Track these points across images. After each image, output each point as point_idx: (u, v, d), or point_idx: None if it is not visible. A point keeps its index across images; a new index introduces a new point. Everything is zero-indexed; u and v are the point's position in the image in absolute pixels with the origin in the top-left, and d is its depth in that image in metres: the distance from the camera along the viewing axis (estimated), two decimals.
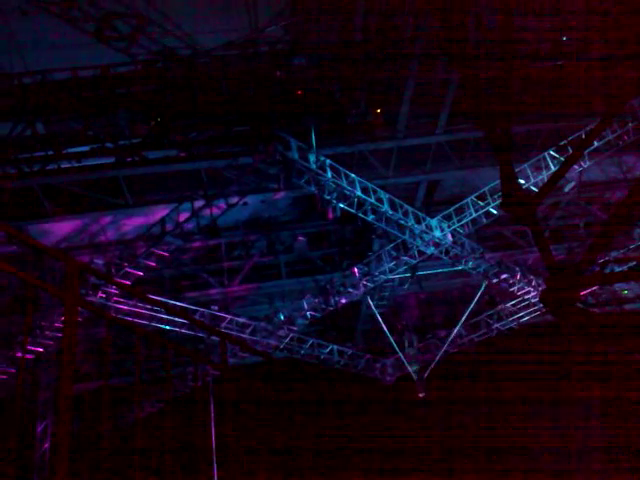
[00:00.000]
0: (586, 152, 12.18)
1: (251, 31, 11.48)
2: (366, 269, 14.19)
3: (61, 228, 13.56)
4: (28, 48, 10.72)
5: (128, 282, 12.67)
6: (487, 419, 15.70)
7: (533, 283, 14.53)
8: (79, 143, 12.08)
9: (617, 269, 13.83)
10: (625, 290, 15.67)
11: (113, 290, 12.58)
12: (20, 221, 12.70)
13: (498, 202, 12.57)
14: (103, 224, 13.80)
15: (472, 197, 13.37)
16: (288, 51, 11.95)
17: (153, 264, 12.94)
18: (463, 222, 13.41)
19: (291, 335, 14.88)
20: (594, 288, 14.25)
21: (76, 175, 12.32)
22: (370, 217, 12.57)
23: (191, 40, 11.50)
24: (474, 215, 13.31)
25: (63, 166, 12.17)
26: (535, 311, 15.02)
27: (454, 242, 13.53)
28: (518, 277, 14.45)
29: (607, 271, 13.41)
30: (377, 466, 15.48)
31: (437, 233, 13.27)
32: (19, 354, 12.57)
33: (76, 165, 12.14)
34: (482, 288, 14.71)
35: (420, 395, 15.41)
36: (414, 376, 15.53)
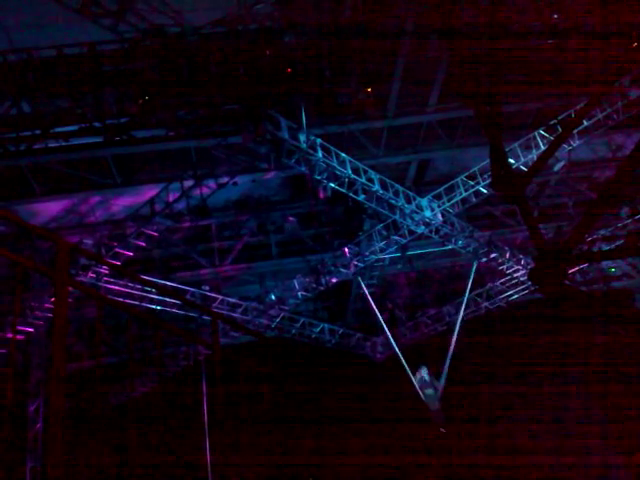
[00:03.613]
0: (575, 131, 12.20)
1: (240, 8, 11.30)
2: (357, 249, 14.23)
3: (49, 208, 13.45)
4: (13, 26, 10.50)
5: (118, 262, 12.64)
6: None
7: (522, 262, 14.65)
8: (66, 122, 11.92)
9: (605, 247, 13.97)
10: (612, 268, 15.85)
11: (103, 270, 12.55)
12: (8, 201, 12.59)
13: (488, 181, 12.59)
14: (92, 204, 13.70)
15: (462, 176, 13.39)
16: (278, 29, 11.79)
17: (143, 244, 12.90)
18: (453, 201, 13.45)
19: (282, 314, 14.95)
20: (582, 266, 14.40)
21: (64, 154, 12.19)
22: (361, 197, 12.56)
23: (179, 17, 11.31)
24: (464, 194, 13.35)
25: (50, 145, 12.02)
26: (524, 289, 15.17)
27: (444, 221, 13.58)
28: (507, 256, 14.55)
29: (595, 249, 13.54)
30: (366, 439, 15.67)
31: (427, 212, 13.30)
32: (10, 335, 12.55)
33: (64, 144, 12.00)
34: (473, 268, 14.73)
35: (442, 430, 13.90)
36: (432, 407, 13.92)
